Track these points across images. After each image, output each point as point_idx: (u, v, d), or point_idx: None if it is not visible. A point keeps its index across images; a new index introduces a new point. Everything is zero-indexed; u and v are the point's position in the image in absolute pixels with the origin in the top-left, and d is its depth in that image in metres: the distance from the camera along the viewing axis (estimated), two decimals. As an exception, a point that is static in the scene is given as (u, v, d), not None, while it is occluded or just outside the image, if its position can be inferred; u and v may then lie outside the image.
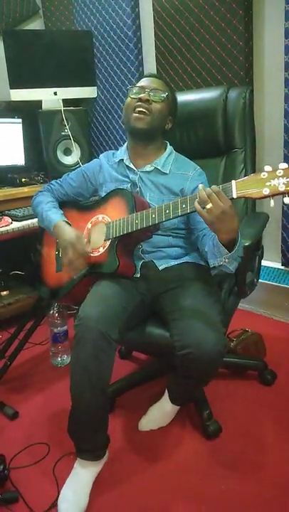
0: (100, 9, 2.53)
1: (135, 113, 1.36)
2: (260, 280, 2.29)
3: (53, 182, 1.60)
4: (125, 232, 1.27)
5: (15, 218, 1.98)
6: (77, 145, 2.52)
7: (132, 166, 1.43)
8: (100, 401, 1.25)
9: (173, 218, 1.19)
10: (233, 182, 1.05)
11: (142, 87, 1.38)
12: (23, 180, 2.26)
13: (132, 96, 1.39)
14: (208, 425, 1.49)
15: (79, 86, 2.59)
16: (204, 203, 1.06)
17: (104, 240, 1.34)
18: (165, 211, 1.18)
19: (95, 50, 2.62)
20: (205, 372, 1.24)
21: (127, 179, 1.44)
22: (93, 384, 1.21)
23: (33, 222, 1.95)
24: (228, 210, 1.05)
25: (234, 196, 1.05)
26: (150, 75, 1.47)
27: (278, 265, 2.22)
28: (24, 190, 2.18)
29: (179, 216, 1.17)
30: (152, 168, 1.41)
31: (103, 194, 1.46)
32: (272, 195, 1.01)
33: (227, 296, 1.48)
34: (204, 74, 2.17)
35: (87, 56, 2.60)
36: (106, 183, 1.48)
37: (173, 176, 1.41)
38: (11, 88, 2.37)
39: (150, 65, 2.46)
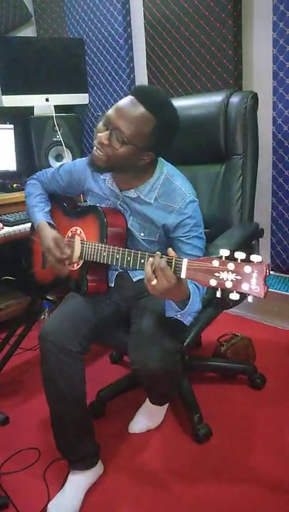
0: (92, 17, 2.56)
1: (94, 149, 1.19)
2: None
3: (43, 173, 1.52)
4: (95, 260, 1.24)
5: (6, 223, 1.98)
6: (68, 151, 2.53)
7: (114, 188, 1.31)
8: (77, 412, 1.26)
9: (132, 268, 1.12)
10: (185, 262, 0.97)
11: (108, 120, 1.14)
12: (15, 185, 2.26)
13: (96, 127, 1.19)
14: (198, 429, 1.50)
15: (71, 92, 2.61)
16: (148, 280, 1.00)
17: (79, 258, 1.32)
18: (127, 258, 1.12)
19: (86, 57, 2.65)
20: (156, 385, 1.27)
21: (109, 199, 1.35)
22: (65, 396, 1.22)
23: (24, 227, 1.95)
24: (171, 288, 0.99)
25: (182, 277, 0.97)
26: (135, 92, 1.15)
27: (268, 270, 2.24)
28: (16, 196, 2.18)
29: (136, 269, 1.11)
30: (136, 195, 1.27)
31: (88, 201, 1.42)
32: (220, 288, 0.90)
33: (203, 307, 1.45)
34: (194, 82, 2.21)
35: (79, 63, 2.62)
36: (91, 192, 1.40)
37: (157, 206, 1.26)
38: (3, 94, 2.38)
39: (141, 72, 2.49)
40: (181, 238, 1.23)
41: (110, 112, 1.15)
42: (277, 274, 2.21)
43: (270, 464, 1.39)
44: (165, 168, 1.28)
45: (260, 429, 1.54)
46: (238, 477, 1.35)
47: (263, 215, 2.11)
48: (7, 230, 1.95)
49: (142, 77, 2.49)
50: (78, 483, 1.30)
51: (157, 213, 1.26)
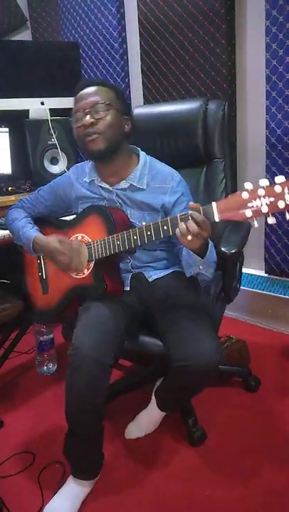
0: (87, 21, 2.57)
1: (87, 138, 1.25)
2: (244, 288, 2.33)
3: (24, 200, 1.53)
4: (108, 254, 1.24)
5: (1, 226, 1.98)
6: (64, 154, 2.53)
7: (105, 185, 1.35)
8: (96, 426, 1.26)
9: (155, 240, 1.16)
10: (214, 204, 1.01)
11: (81, 109, 1.26)
12: (10, 188, 2.26)
13: (75, 126, 1.28)
14: (193, 432, 1.50)
15: (66, 96, 2.59)
16: (184, 236, 1.04)
17: (88, 261, 1.31)
18: (147, 233, 1.15)
19: (81, 61, 2.66)
20: (200, 381, 1.26)
21: (102, 198, 1.37)
22: (89, 411, 1.22)
23: (19, 230, 1.95)
24: (207, 238, 1.06)
25: (216, 220, 1.01)
26: (83, 85, 1.30)
27: (262, 273, 2.26)
28: (11, 199, 2.18)
29: (161, 238, 1.14)
30: (128, 184, 1.32)
31: (79, 210, 1.41)
32: (256, 217, 0.96)
33: (214, 302, 1.49)
34: (188, 86, 2.22)
35: (74, 67, 2.62)
36: (81, 199, 1.41)
37: (151, 190, 1.32)
38: (-3, 97, 2.38)
39: (135, 76, 2.50)
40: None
41: (77, 105, 1.28)
42: (271, 276, 2.22)
43: (265, 466, 1.39)
44: (147, 157, 1.38)
45: (255, 432, 1.54)
46: (233, 480, 1.35)
47: (256, 218, 2.13)
48: (2, 233, 1.94)
49: (136, 81, 2.51)
50: (78, 492, 1.29)
51: (153, 197, 1.32)
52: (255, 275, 2.28)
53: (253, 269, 2.29)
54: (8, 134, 2.37)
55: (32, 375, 2.01)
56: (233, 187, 1.62)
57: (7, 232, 1.95)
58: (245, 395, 1.74)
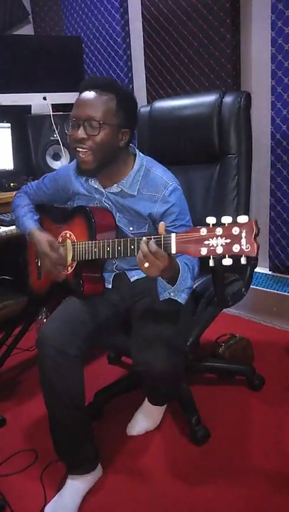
0: (90, 15, 2.55)
1: (77, 151, 1.22)
2: (248, 285, 2.29)
3: (29, 185, 1.55)
4: (87, 258, 1.25)
5: (2, 223, 1.97)
6: (66, 150, 2.52)
7: (98, 186, 1.33)
8: (75, 416, 1.25)
9: (124, 257, 1.14)
10: (173, 236, 0.98)
11: (76, 119, 1.21)
12: (12, 184, 2.24)
13: (68, 133, 1.25)
14: (196, 430, 1.49)
15: (68, 91, 2.58)
16: (141, 262, 1.02)
17: (72, 260, 1.33)
18: (117, 248, 1.14)
19: (84, 55, 2.63)
20: (160, 386, 1.26)
21: (94, 198, 1.36)
22: (63, 400, 1.22)
23: (21, 227, 1.94)
24: (165, 268, 1.01)
25: (173, 252, 0.98)
26: (86, 86, 1.23)
27: (266, 270, 2.24)
28: (12, 195, 2.15)
29: (128, 256, 1.12)
30: (119, 189, 1.29)
31: (74, 205, 1.41)
32: (211, 256, 0.90)
33: (204, 306, 1.45)
34: (192, 81, 2.20)
35: (76, 62, 2.60)
36: (77, 194, 1.40)
37: (141, 197, 1.28)
38: (0, 92, 2.36)
39: (139, 71, 2.48)
40: (168, 228, 1.22)
41: (74, 111, 1.22)
42: (276, 274, 2.20)
43: (268, 465, 1.38)
44: (144, 161, 1.31)
45: (259, 431, 1.53)
46: (237, 479, 1.34)
47: (261, 215, 2.11)
48: (3, 229, 1.93)
49: (139, 76, 2.48)
50: (76, 487, 1.29)
51: (142, 204, 1.28)
52: (260, 273, 2.26)
53: (257, 266, 2.27)
54: (10, 129, 2.36)
55: (34, 372, 1.98)
56: (247, 183, 1.55)
57: (9, 228, 1.94)
58: (249, 394, 1.73)
